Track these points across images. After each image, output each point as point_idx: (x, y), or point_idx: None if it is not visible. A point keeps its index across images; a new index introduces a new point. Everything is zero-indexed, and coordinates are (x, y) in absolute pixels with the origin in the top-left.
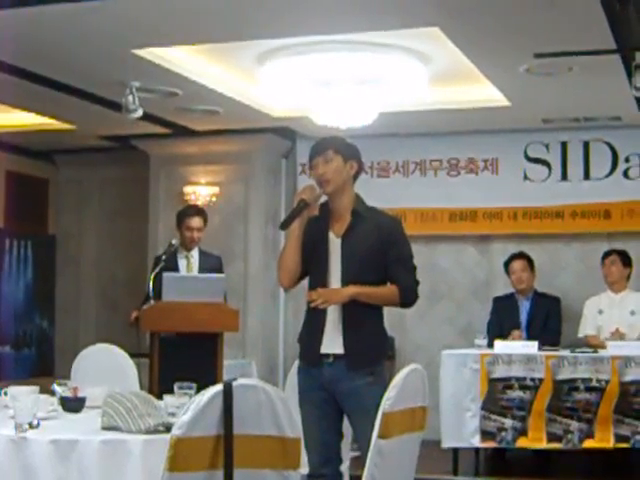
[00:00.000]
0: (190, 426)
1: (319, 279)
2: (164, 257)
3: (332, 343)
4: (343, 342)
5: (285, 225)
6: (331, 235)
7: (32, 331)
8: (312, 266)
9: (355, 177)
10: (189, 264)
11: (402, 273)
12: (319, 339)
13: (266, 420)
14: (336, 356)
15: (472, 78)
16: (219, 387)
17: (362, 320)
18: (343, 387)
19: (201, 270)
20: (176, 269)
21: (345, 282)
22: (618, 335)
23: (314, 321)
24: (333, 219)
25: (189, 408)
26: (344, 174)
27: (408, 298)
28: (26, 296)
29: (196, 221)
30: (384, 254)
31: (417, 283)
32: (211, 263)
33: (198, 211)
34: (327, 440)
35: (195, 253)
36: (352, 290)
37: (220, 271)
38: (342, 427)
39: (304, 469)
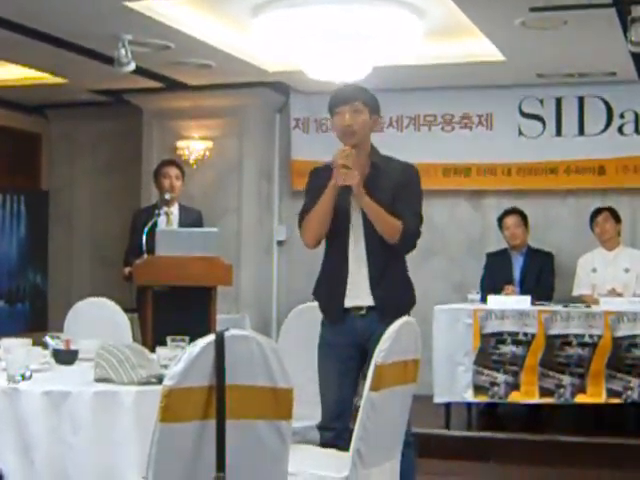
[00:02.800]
0: (182, 376)
1: (341, 235)
2: (157, 211)
3: (359, 295)
4: (372, 293)
5: None
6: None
7: (25, 286)
8: (334, 222)
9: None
10: (168, 220)
11: (408, 215)
12: (342, 293)
13: (258, 371)
14: (368, 308)
15: (467, 32)
16: (211, 337)
17: (387, 270)
18: (375, 337)
19: (181, 225)
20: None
21: (367, 235)
22: (614, 294)
23: (335, 274)
24: None
25: (181, 359)
26: (368, 128)
27: (407, 240)
28: (19, 251)
29: (173, 169)
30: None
31: (418, 233)
32: (191, 218)
33: (175, 162)
34: (344, 396)
35: (175, 209)
36: (368, 199)
37: (200, 226)
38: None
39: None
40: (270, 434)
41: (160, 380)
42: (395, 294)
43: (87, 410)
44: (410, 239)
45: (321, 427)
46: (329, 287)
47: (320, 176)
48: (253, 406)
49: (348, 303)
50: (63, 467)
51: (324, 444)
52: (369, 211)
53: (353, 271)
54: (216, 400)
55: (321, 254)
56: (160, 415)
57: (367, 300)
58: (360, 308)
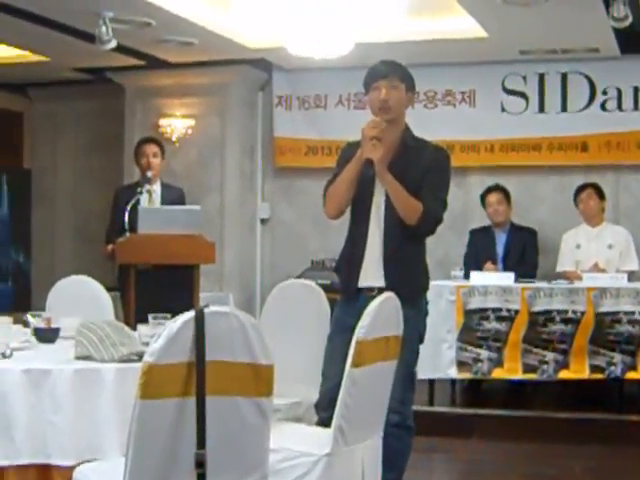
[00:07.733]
0: (162, 353)
1: (362, 213)
2: (139, 189)
3: (372, 276)
4: (383, 275)
5: None
6: None
7: (8, 265)
8: (356, 199)
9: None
10: (150, 199)
11: (430, 198)
12: (357, 272)
13: (238, 347)
14: (380, 289)
15: (449, 9)
16: (191, 314)
17: (401, 253)
18: None
19: (163, 203)
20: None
21: (386, 216)
22: (597, 270)
23: (353, 253)
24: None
25: (161, 335)
26: (403, 104)
27: (425, 223)
28: (2, 230)
29: (151, 147)
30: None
31: (440, 219)
32: (173, 196)
33: (153, 139)
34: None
35: (157, 187)
36: (390, 177)
37: (182, 204)
38: None
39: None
40: (251, 410)
41: (141, 357)
42: (406, 278)
43: (68, 388)
44: (429, 223)
45: (318, 406)
46: (346, 265)
47: (352, 150)
48: (233, 382)
49: (362, 283)
50: (44, 445)
51: (320, 424)
52: (390, 189)
53: (369, 251)
54: (196, 376)
55: (303, 232)
56: (140, 392)
57: (379, 281)
58: (372, 289)
